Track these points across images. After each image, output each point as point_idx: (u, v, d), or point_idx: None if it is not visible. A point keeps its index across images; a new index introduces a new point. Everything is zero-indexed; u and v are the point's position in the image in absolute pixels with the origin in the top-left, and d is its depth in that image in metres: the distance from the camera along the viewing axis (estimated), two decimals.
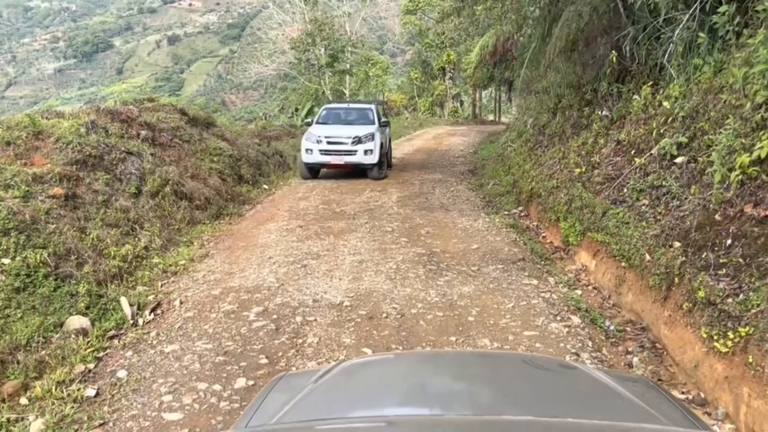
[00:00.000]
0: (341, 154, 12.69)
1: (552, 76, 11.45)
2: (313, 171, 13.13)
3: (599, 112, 8.90)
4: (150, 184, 8.00)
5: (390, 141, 15.72)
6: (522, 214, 9.36)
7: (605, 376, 1.91)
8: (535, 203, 9.24)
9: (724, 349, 3.89)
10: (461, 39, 36.88)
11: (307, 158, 12.84)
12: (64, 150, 7.28)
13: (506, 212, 9.35)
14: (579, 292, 6.06)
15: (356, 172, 13.16)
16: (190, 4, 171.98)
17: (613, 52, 7.72)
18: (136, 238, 6.75)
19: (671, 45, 7.13)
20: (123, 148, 8.22)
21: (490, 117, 45.80)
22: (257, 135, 15.18)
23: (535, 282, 5.99)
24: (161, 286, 5.94)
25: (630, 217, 6.28)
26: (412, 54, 44.98)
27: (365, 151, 12.60)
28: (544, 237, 8.22)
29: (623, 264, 5.90)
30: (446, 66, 40.63)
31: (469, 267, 6.34)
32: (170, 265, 6.51)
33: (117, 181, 7.61)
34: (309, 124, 14.20)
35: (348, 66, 32.03)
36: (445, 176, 13.28)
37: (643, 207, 6.28)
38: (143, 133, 9.59)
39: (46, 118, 8.51)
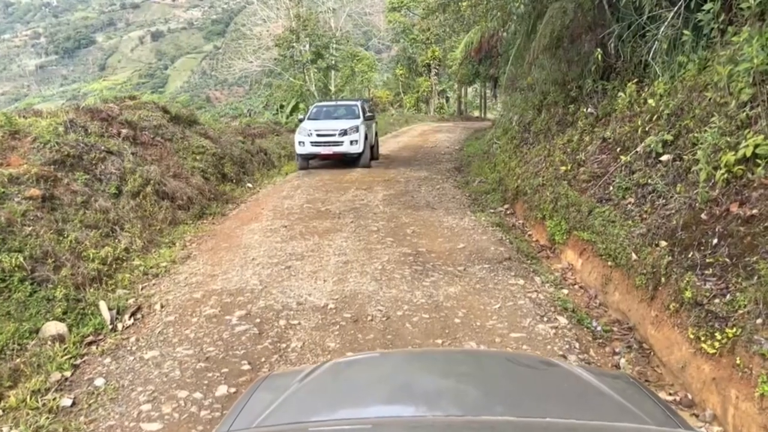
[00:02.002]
0: (329, 145, 14.10)
1: (537, 73, 11.45)
2: (306, 161, 14.57)
3: (584, 110, 8.88)
4: (131, 183, 7.83)
5: (376, 135, 17.05)
6: (508, 212, 9.33)
7: (586, 373, 1.93)
8: (521, 201, 9.20)
9: (711, 350, 3.86)
10: (446, 35, 36.87)
11: (300, 150, 14.32)
12: (41, 150, 7.10)
13: (492, 210, 9.30)
14: (565, 291, 6.03)
15: (343, 165, 14.36)
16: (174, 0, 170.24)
17: (598, 49, 7.69)
18: (116, 240, 6.60)
19: (656, 42, 7.12)
20: (103, 148, 8.05)
21: (476, 113, 45.87)
22: (241, 132, 15.02)
23: (521, 282, 5.94)
24: (142, 289, 5.81)
25: (616, 215, 6.25)
26: (397, 50, 44.89)
27: (351, 142, 14.04)
28: (530, 235, 8.18)
29: (609, 263, 5.87)
30: (431, 62, 40.61)
31: (455, 267, 6.28)
32: (151, 267, 6.37)
33: (96, 181, 7.45)
34: (301, 121, 15.42)
35: (333, 62, 31.83)
36: (431, 174, 13.23)
37: (629, 205, 6.26)
38: (124, 131, 9.42)
39: (24, 116, 8.32)
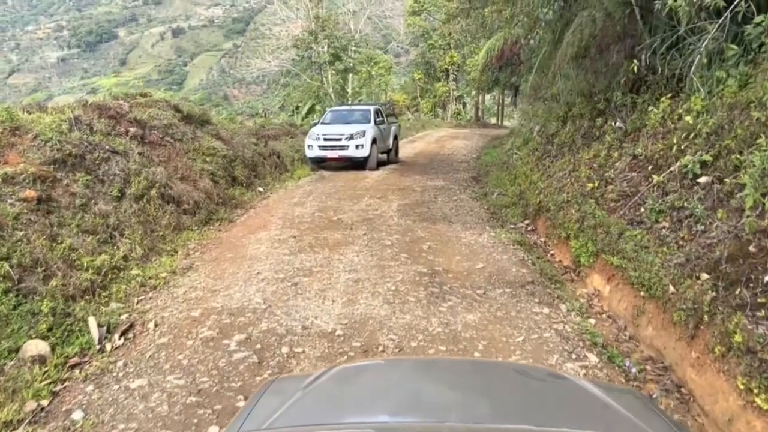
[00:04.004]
0: (336, 149, 14.66)
1: (562, 83, 11.05)
2: (316, 164, 15.17)
3: (612, 123, 8.47)
4: (135, 186, 7.45)
5: (396, 139, 17.66)
6: (529, 229, 8.86)
7: (594, 387, 1.91)
8: (543, 217, 8.74)
9: (766, 406, 3.40)
10: (466, 41, 36.51)
11: (309, 153, 15.01)
12: (41, 148, 6.75)
13: (512, 226, 8.83)
14: (593, 321, 5.58)
15: (356, 169, 14.76)
16: None
17: (635, 61, 7.24)
18: (115, 247, 6.22)
19: (697, 55, 6.67)
20: (107, 147, 7.69)
21: (493, 120, 45.53)
22: (255, 134, 14.66)
23: (546, 310, 5.47)
24: (137, 303, 5.40)
25: (649, 240, 5.80)
26: (416, 54, 44.56)
27: (356, 146, 14.54)
28: (552, 255, 7.72)
29: (642, 293, 5.40)
30: (450, 68, 40.24)
31: (474, 290, 5.82)
32: (150, 278, 5.97)
33: (98, 182, 7.07)
34: (315, 125, 16.24)
35: (351, 64, 31.50)
36: (448, 183, 12.77)
37: (664, 230, 5.81)
38: (132, 130, 9.07)
39: (28, 111, 7.99)
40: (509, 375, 2.13)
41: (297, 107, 27.35)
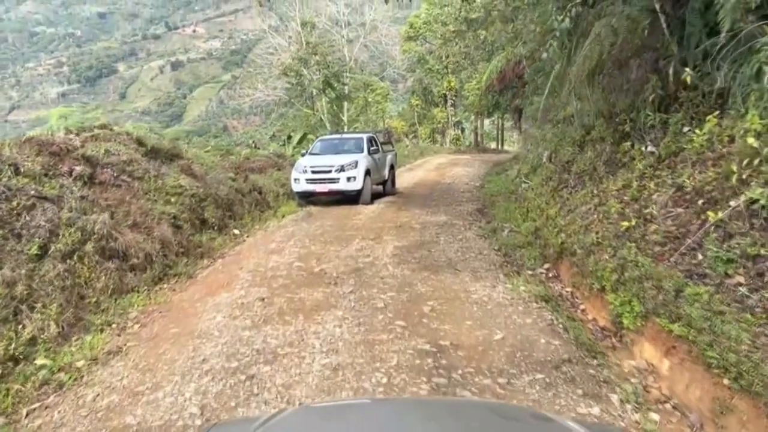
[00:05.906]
0: (325, 182, 13.25)
1: (576, 103, 9.83)
2: (304, 197, 13.65)
3: (642, 148, 7.18)
4: (63, 240, 5.96)
5: (392, 168, 16.33)
6: (550, 275, 7.38)
7: (582, 429, 1.67)
8: (567, 262, 7.28)
9: None
10: (463, 66, 35.77)
11: (295, 187, 13.54)
12: None
13: (530, 272, 7.35)
14: (656, 417, 4.09)
15: (349, 203, 13.43)
16: (194, 31, 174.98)
17: (687, 69, 5.99)
18: (19, 326, 4.73)
19: (755, 64, 5.44)
20: (33, 192, 6.24)
21: (492, 145, 44.89)
22: (236, 167, 13.21)
23: (595, 409, 3.94)
24: (26, 415, 3.86)
25: (723, 302, 4.36)
26: (413, 81, 43.82)
27: (348, 178, 13.17)
28: (583, 311, 6.25)
29: (726, 381, 3.92)
30: (447, 93, 39.48)
31: (494, 378, 4.28)
32: (59, 370, 4.43)
33: (13, 238, 5.59)
34: (303, 155, 14.87)
35: (346, 91, 30.43)
36: (451, 218, 11.30)
37: (740, 288, 4.38)
38: (78, 169, 7.66)
39: None
40: (492, 418, 1.81)
41: (289, 136, 26.09)
